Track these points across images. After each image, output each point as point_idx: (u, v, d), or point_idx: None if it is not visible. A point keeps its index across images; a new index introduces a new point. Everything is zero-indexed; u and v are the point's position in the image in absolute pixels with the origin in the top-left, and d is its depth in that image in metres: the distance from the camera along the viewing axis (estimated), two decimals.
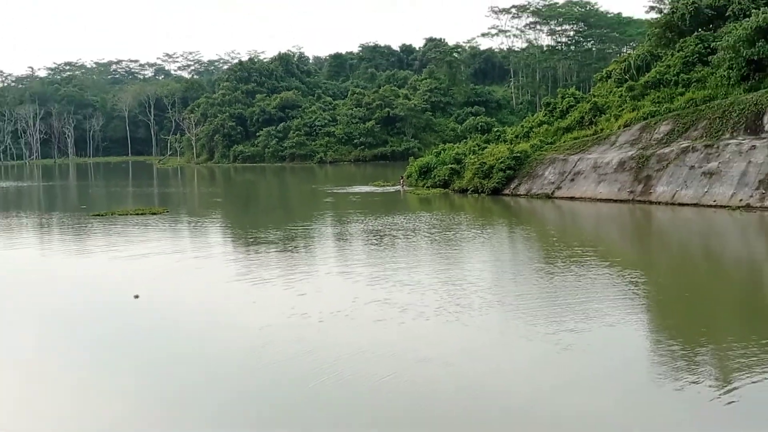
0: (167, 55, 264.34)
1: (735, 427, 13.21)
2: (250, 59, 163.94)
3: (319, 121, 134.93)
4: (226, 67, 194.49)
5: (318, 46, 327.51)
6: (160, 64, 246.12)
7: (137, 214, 51.65)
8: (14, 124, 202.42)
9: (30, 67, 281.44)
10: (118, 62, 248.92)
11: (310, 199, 64.99)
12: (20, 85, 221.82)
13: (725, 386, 15.02)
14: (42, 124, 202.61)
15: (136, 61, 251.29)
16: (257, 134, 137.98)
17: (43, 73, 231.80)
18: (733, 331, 19.84)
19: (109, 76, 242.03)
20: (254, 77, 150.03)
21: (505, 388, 15.50)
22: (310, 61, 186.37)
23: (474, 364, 17.05)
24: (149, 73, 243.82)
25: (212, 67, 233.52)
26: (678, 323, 21.23)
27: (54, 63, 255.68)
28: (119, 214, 51.93)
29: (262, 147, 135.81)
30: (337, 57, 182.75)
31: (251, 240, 38.87)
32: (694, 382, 15.24)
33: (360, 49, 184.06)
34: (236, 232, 43.74)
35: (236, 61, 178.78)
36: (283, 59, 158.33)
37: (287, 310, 22.27)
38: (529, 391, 15.27)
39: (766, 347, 17.46)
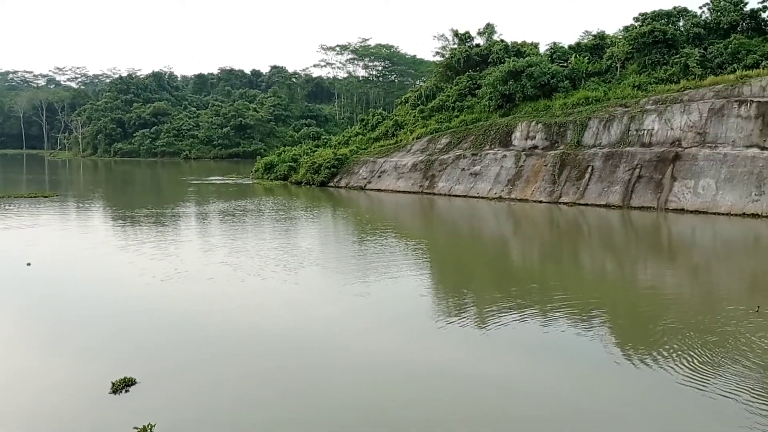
0: (58, 68, 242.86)
1: (488, 349, 14.13)
2: (129, 75, 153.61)
3: (185, 126, 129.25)
4: (108, 80, 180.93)
5: (185, 67, 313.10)
6: (51, 75, 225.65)
7: (31, 197, 47.48)
8: None
9: None
10: (15, 72, 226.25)
11: (176, 187, 62.32)
12: None
13: (482, 323, 16.01)
14: None
15: (30, 72, 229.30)
16: (134, 135, 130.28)
17: None
18: (487, 284, 21.11)
19: (6, 84, 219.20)
20: (132, 90, 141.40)
21: (315, 331, 15.54)
22: (179, 79, 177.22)
23: (290, 311, 17.04)
24: (42, 82, 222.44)
25: (96, 80, 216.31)
26: (448, 278, 22.31)
27: None
28: (15, 197, 47.53)
29: (138, 145, 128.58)
30: (200, 77, 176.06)
31: (122, 216, 36.85)
32: (460, 321, 16.12)
33: (219, 71, 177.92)
34: (111, 212, 41.24)
35: (117, 75, 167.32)
36: (156, 76, 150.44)
37: (139, 270, 21.60)
38: (339, 333, 15.47)
39: (508, 296, 18.73)
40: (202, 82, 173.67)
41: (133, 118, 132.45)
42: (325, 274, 21.68)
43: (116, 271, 21.72)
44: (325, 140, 76.02)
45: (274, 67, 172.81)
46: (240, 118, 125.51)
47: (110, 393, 11.64)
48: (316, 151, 65.85)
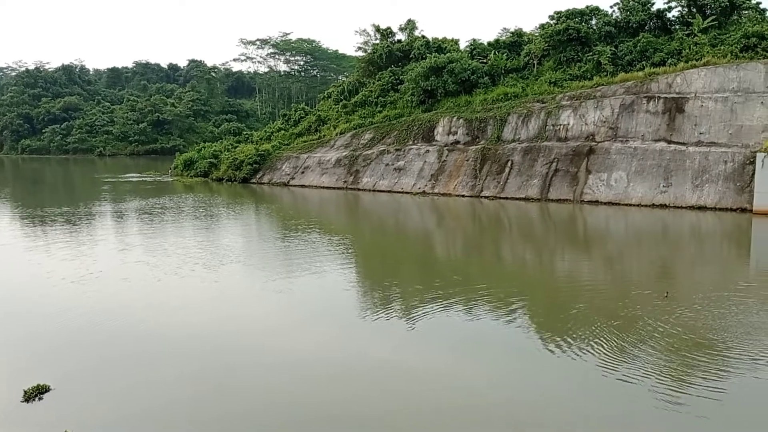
0: None
1: (416, 343, 14.34)
2: (37, 68, 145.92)
3: (99, 121, 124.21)
4: (14, 73, 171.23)
5: (98, 60, 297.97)
6: None
7: None
8: None
9: None
10: None
11: (89, 185, 59.88)
12: None
13: (409, 316, 16.21)
14: None
15: None
16: (43, 131, 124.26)
17: None
18: (412, 278, 21.38)
19: None
20: (40, 84, 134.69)
21: (237, 329, 15.32)
22: (91, 73, 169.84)
23: (210, 310, 16.72)
24: None
25: (1, 73, 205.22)
26: (373, 272, 22.45)
27: None
28: None
29: (48, 142, 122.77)
30: (114, 70, 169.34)
31: (30, 216, 35.14)
32: (386, 315, 16.28)
33: (134, 64, 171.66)
34: (19, 211, 39.18)
35: (23, 69, 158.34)
36: (66, 70, 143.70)
37: (47, 272, 20.86)
38: (262, 330, 15.29)
39: (433, 289, 19.04)
40: (116, 75, 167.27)
41: (42, 114, 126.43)
42: (247, 271, 21.39)
43: (22, 274, 20.77)
44: (247, 136, 74.79)
45: (192, 61, 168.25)
46: (157, 114, 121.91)
47: (22, 401, 11.16)
48: (237, 146, 64.76)
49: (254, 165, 57.41)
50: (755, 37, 39.24)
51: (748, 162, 34.42)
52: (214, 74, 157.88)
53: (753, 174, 33.46)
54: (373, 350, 13.77)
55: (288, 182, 53.71)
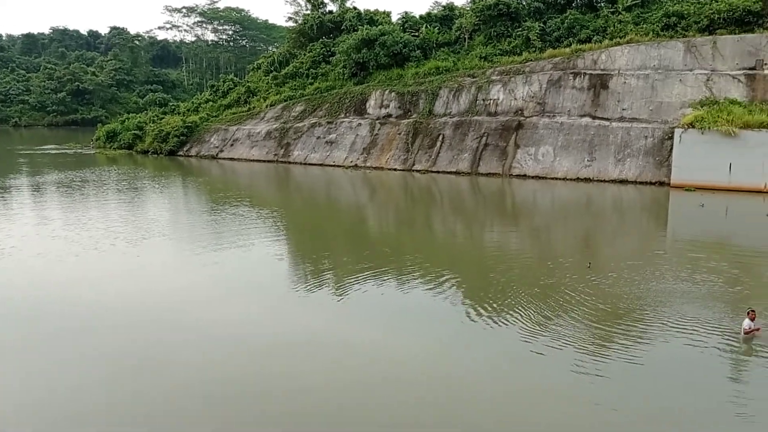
0: None
1: (349, 316, 14.36)
2: None
3: (13, 90, 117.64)
4: None
5: (10, 25, 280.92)
6: None
7: None
8: None
9: None
10: None
11: (3, 157, 56.80)
12: None
13: (341, 289, 16.21)
14: None
15: None
16: None
17: None
18: (343, 251, 21.36)
19: None
20: None
21: (159, 304, 14.98)
22: (3, 38, 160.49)
23: (131, 285, 16.24)
24: None
25: None
26: (304, 245, 22.31)
27: None
28: None
29: None
30: (29, 36, 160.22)
31: None
32: (318, 288, 16.22)
33: (51, 30, 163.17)
34: None
35: None
36: None
37: None
38: (186, 304, 14.94)
39: (365, 262, 19.08)
40: (31, 42, 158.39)
41: None
42: (172, 244, 20.86)
43: None
44: (173, 107, 72.47)
45: (114, 29, 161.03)
46: (77, 83, 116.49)
47: None
48: (163, 118, 62.73)
49: (181, 137, 55.90)
50: (675, 16, 40.60)
51: (666, 137, 35.85)
52: (137, 42, 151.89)
53: (671, 149, 34.89)
54: (304, 323, 13.70)
55: (217, 155, 52.55)
